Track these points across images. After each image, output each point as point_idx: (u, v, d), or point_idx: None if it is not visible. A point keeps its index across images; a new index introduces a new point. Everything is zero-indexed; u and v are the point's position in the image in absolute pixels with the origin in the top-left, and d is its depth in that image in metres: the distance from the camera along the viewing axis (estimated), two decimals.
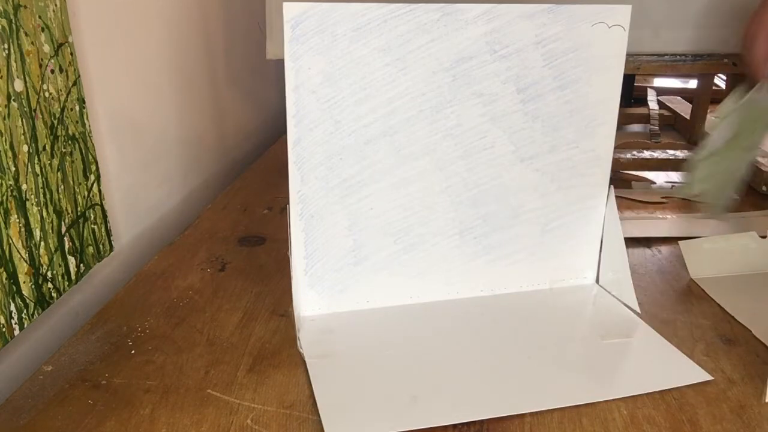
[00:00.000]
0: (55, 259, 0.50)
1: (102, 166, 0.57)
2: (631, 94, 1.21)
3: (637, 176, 0.85)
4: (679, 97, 1.18)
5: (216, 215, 0.71)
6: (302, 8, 0.45)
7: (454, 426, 0.40)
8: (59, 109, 0.49)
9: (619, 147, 0.87)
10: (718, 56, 0.77)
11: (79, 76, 0.52)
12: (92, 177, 0.54)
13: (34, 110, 0.46)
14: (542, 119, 0.52)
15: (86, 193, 0.54)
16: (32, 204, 0.47)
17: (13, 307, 0.45)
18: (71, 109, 0.51)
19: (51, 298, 0.49)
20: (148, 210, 0.69)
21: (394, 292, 0.53)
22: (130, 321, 0.50)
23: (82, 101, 0.52)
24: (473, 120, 0.50)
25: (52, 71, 0.48)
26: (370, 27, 0.46)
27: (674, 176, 0.86)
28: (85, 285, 0.56)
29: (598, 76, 0.52)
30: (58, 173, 0.50)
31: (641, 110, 1.12)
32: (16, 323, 0.45)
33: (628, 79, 1.17)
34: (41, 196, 0.48)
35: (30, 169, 0.46)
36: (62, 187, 0.50)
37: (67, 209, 0.51)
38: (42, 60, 0.47)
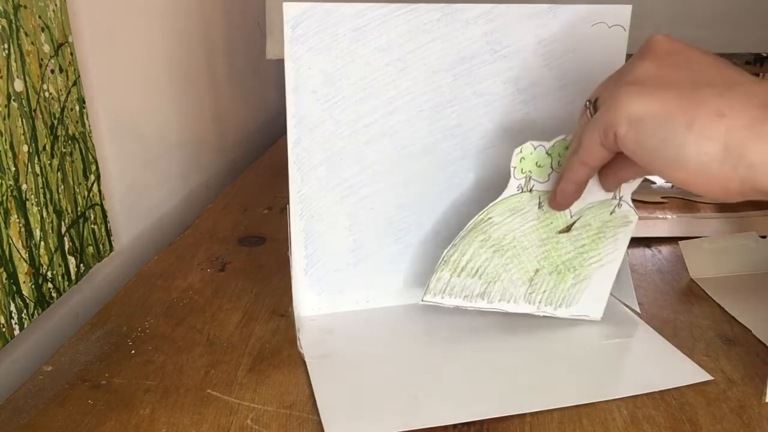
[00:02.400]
0: (55, 259, 0.50)
1: (102, 166, 0.57)
2: None
3: None
4: None
5: (216, 215, 0.71)
6: (302, 8, 0.45)
7: (455, 426, 0.40)
8: (59, 109, 0.49)
9: None
10: None
11: (79, 76, 0.52)
12: (92, 177, 0.54)
13: (34, 110, 0.46)
14: (542, 119, 0.52)
15: (86, 193, 0.54)
16: (32, 204, 0.47)
17: (13, 307, 0.45)
18: (71, 109, 0.51)
19: (51, 298, 0.49)
20: (148, 210, 0.69)
21: (394, 292, 0.53)
22: (130, 321, 0.50)
23: (82, 101, 0.52)
24: (474, 120, 0.50)
25: (52, 71, 0.48)
26: (370, 27, 0.46)
27: None
28: (85, 285, 0.56)
29: (598, 76, 0.52)
30: (58, 173, 0.50)
31: None
32: (16, 323, 0.45)
33: None
34: (41, 196, 0.48)
35: (30, 169, 0.46)
36: (62, 187, 0.50)
37: (67, 209, 0.51)
38: (42, 60, 0.47)
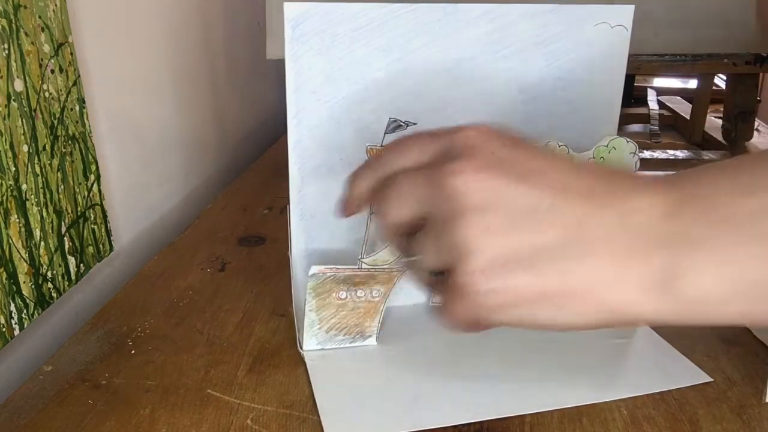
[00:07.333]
0: (55, 259, 0.50)
1: (102, 166, 0.57)
2: (631, 94, 1.21)
3: None
4: (679, 97, 1.18)
5: (216, 215, 0.71)
6: (303, 8, 0.45)
7: (455, 427, 0.40)
8: (59, 109, 0.49)
9: None
10: (718, 56, 0.77)
11: (79, 76, 0.52)
12: (92, 177, 0.54)
13: (34, 110, 0.46)
14: (543, 120, 0.52)
15: (86, 193, 0.54)
16: (32, 204, 0.47)
17: (13, 307, 0.45)
18: (71, 109, 0.51)
19: (51, 298, 0.49)
20: (148, 210, 0.69)
21: (394, 292, 0.53)
22: (130, 321, 0.50)
23: (82, 101, 0.52)
24: (474, 120, 0.50)
25: (52, 71, 0.48)
26: (371, 27, 0.46)
27: None
28: (85, 285, 0.56)
29: (600, 76, 0.52)
30: (58, 173, 0.50)
31: (641, 110, 1.12)
32: (16, 323, 0.45)
33: (628, 79, 1.16)
34: (41, 196, 0.48)
35: (30, 169, 0.46)
36: (62, 187, 0.50)
37: (67, 209, 0.51)
38: (42, 60, 0.47)
